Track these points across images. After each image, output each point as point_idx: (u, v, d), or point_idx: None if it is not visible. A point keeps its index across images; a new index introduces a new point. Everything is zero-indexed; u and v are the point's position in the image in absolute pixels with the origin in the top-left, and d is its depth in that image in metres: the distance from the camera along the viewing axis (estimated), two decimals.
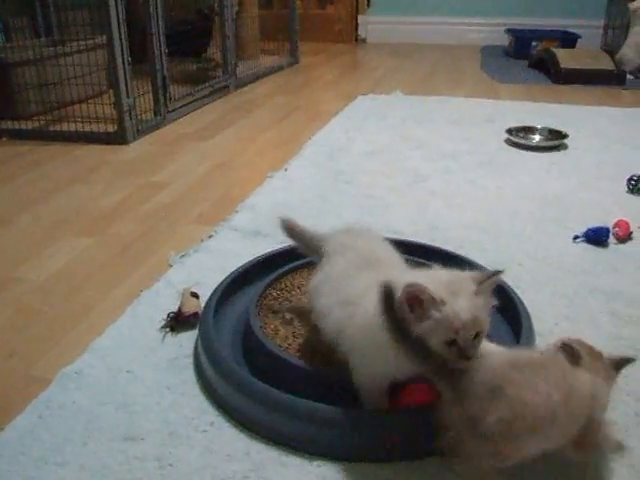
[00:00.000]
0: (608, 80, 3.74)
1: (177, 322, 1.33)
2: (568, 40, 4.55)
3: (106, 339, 1.32)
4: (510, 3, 5.25)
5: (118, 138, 2.65)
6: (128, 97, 2.62)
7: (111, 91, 2.64)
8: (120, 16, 2.51)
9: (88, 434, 1.06)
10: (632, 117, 3.02)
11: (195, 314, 1.33)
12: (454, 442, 0.89)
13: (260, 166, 2.38)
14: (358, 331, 0.99)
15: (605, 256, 1.65)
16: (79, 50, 2.92)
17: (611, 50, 4.03)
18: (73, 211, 1.99)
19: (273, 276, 1.40)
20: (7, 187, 2.23)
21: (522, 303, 1.29)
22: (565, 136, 2.59)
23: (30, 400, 1.13)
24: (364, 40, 5.65)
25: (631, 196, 2.05)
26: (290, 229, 1.29)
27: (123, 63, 2.56)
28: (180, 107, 3.08)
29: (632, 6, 3.87)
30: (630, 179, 2.08)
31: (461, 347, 0.89)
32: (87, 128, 2.70)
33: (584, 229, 1.74)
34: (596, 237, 1.71)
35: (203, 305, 1.33)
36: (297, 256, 1.43)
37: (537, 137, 2.67)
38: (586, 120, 2.95)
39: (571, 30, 4.70)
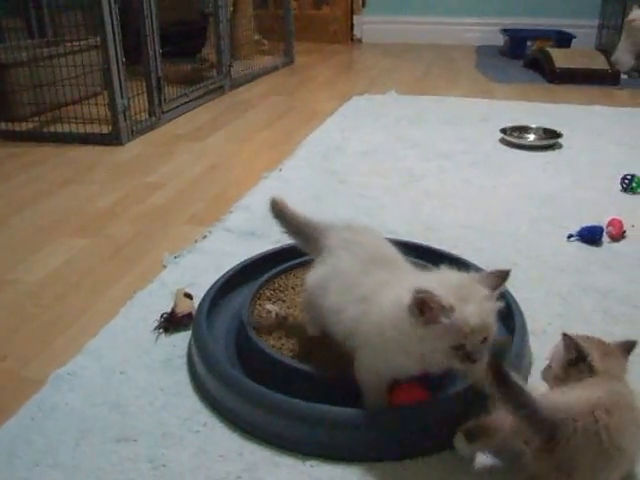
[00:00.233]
0: (602, 80, 3.74)
1: (170, 323, 1.33)
2: (563, 40, 4.56)
3: (100, 340, 1.31)
4: (505, 3, 5.25)
5: (113, 139, 2.65)
6: (122, 98, 2.62)
7: (105, 92, 2.63)
8: (114, 17, 2.50)
9: (81, 436, 1.06)
10: (626, 116, 3.02)
11: (189, 315, 1.33)
12: None
13: (255, 166, 2.38)
14: (372, 327, 0.99)
15: (599, 255, 1.66)
16: (73, 51, 2.90)
17: (606, 50, 4.03)
18: (67, 212, 1.99)
19: (266, 276, 1.40)
20: (1, 188, 2.22)
21: (515, 302, 1.29)
22: (559, 135, 2.60)
23: (23, 402, 1.13)
24: (359, 40, 5.65)
25: (625, 195, 2.06)
26: (279, 210, 1.24)
27: (117, 64, 2.56)
28: (175, 108, 3.08)
29: (629, 17, 3.86)
30: (624, 178, 2.08)
31: (468, 352, 0.90)
32: (82, 129, 2.70)
33: (578, 228, 1.74)
34: (590, 236, 1.71)
35: (197, 306, 1.33)
36: (291, 256, 1.44)
37: (531, 136, 2.67)
38: (580, 119, 2.95)
39: (566, 30, 4.70)
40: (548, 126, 2.69)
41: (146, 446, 1.03)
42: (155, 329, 1.33)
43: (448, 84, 3.84)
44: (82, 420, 1.09)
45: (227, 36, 3.59)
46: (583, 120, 2.94)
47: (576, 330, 1.03)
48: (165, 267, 1.61)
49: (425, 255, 1.44)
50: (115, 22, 2.52)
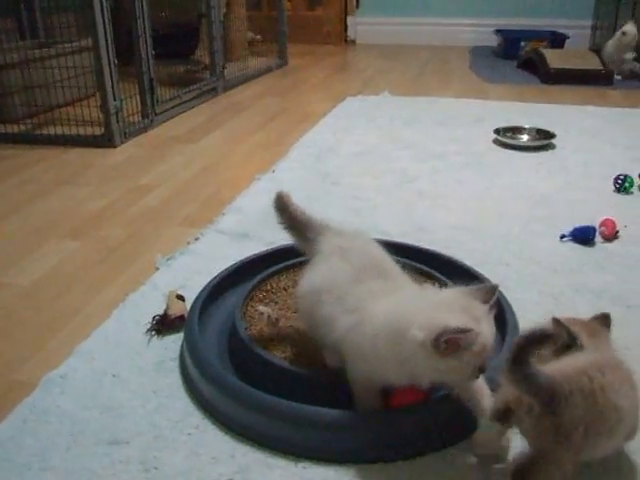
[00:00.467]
0: (596, 80, 3.75)
1: (163, 325, 1.33)
2: (556, 40, 4.57)
3: (92, 343, 1.31)
4: (499, 4, 5.26)
5: (105, 141, 2.64)
6: (115, 100, 2.61)
7: (98, 94, 2.63)
8: (106, 18, 2.50)
9: (73, 439, 1.05)
10: (620, 117, 3.03)
11: (181, 317, 1.33)
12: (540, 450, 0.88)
13: (248, 168, 2.37)
14: (364, 340, 0.98)
15: (592, 255, 1.66)
16: (65, 53, 2.90)
17: (599, 50, 4.04)
18: (60, 214, 1.98)
19: (259, 278, 1.39)
20: None
21: (508, 304, 1.29)
22: (553, 136, 2.60)
23: (14, 405, 1.13)
24: (353, 41, 5.65)
25: (618, 195, 2.06)
26: (283, 204, 1.24)
27: (109, 65, 2.55)
28: (168, 109, 3.07)
29: (622, 29, 3.86)
30: (617, 178, 2.09)
31: (482, 366, 0.91)
32: (74, 131, 2.69)
33: (571, 228, 1.75)
34: (583, 236, 1.71)
35: (189, 308, 1.33)
36: (283, 258, 1.44)
37: (525, 137, 2.68)
38: (574, 120, 2.95)
39: (559, 30, 4.72)
40: (542, 127, 2.70)
41: (138, 449, 1.03)
42: (147, 331, 1.33)
43: (442, 85, 3.85)
44: (74, 423, 1.09)
45: (220, 37, 3.59)
46: (576, 120, 2.94)
47: None
48: (157, 269, 1.61)
49: (416, 256, 1.45)
50: (107, 24, 2.51)
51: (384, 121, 2.98)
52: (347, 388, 1.04)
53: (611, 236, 1.73)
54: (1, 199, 2.13)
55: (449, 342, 0.87)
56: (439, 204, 2.00)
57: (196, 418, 1.09)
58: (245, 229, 1.80)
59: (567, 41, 4.58)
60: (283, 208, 1.24)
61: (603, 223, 1.75)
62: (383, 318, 0.96)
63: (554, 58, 3.90)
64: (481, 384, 0.98)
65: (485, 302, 0.94)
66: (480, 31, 5.26)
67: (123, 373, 1.21)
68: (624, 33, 3.82)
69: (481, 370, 0.92)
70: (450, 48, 5.20)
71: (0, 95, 2.85)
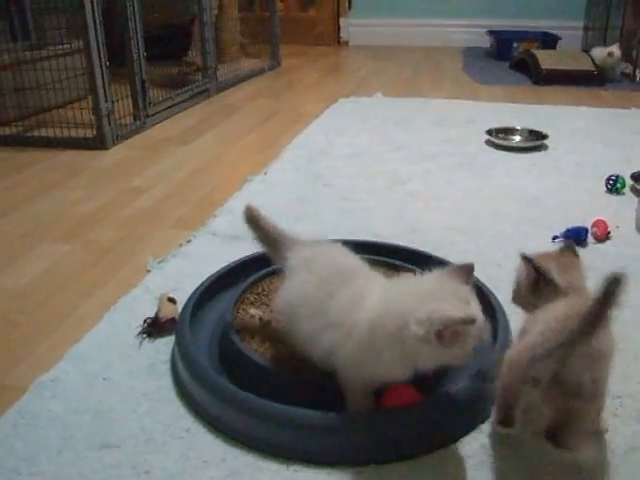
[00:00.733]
0: (588, 81, 3.77)
1: (154, 328, 1.32)
2: (548, 41, 4.58)
3: (83, 346, 1.30)
4: (491, 5, 5.27)
5: (97, 143, 2.63)
6: (107, 102, 2.60)
7: (90, 96, 2.62)
8: (97, 20, 2.49)
9: (63, 443, 1.05)
10: (611, 117, 3.04)
11: (172, 320, 1.32)
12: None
13: (240, 170, 2.37)
14: (360, 347, 0.97)
15: (584, 256, 1.62)
16: (57, 54, 2.89)
17: (590, 51, 4.05)
18: (51, 217, 1.97)
19: (250, 280, 1.39)
20: None
21: (499, 304, 1.29)
22: (545, 137, 2.61)
23: (4, 410, 1.12)
24: (346, 42, 5.66)
25: (610, 196, 2.07)
26: (253, 217, 1.23)
27: (101, 67, 2.55)
28: (160, 111, 3.07)
29: (608, 49, 3.88)
30: (609, 179, 2.09)
31: (479, 343, 0.94)
32: (66, 133, 2.68)
33: (563, 229, 1.75)
34: (575, 237, 1.71)
35: (180, 310, 1.32)
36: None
37: (517, 138, 2.68)
38: (566, 120, 2.96)
39: (551, 31, 4.73)
40: (534, 127, 2.70)
41: (129, 452, 1.02)
42: (139, 334, 1.32)
43: (434, 86, 3.85)
44: (64, 427, 1.08)
45: (212, 39, 3.59)
46: (569, 121, 2.95)
47: None
48: (149, 272, 1.60)
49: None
50: (98, 25, 2.50)
51: (376, 122, 2.98)
52: (338, 390, 1.03)
53: (603, 237, 1.73)
54: None
55: (452, 332, 0.89)
56: (431, 205, 2.00)
57: (187, 421, 1.09)
58: (237, 231, 1.80)
59: (559, 42, 4.59)
60: (253, 222, 1.23)
61: (595, 224, 1.75)
62: (378, 321, 0.96)
63: (546, 59, 3.91)
64: None
65: (466, 283, 0.96)
66: (473, 32, 5.27)
67: (114, 376, 1.21)
68: (610, 54, 3.84)
69: (480, 343, 0.94)
70: (443, 49, 5.21)
71: None
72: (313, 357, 1.06)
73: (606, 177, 2.10)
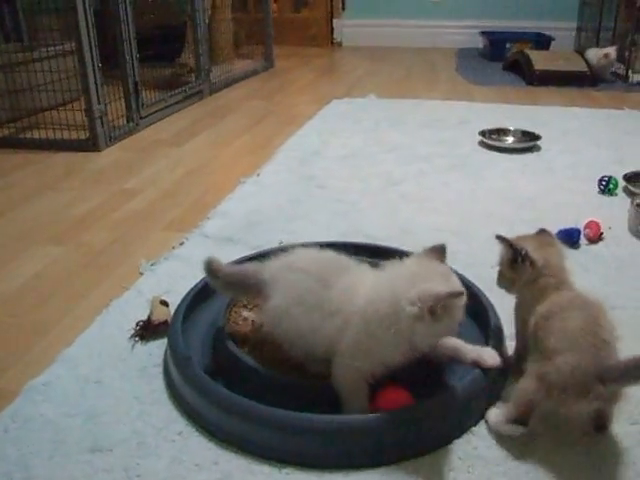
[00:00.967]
0: (581, 81, 3.78)
1: (147, 331, 1.32)
2: (542, 42, 4.59)
3: (75, 349, 1.30)
4: (485, 6, 5.28)
5: (90, 145, 2.63)
6: (99, 103, 2.60)
7: (82, 97, 2.61)
8: (89, 21, 2.48)
9: (55, 447, 1.04)
10: (604, 118, 3.04)
11: (165, 322, 1.32)
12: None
13: (233, 172, 2.36)
14: (359, 332, 1.02)
15: (576, 257, 1.66)
16: (49, 56, 2.87)
17: (584, 52, 4.06)
18: (43, 220, 1.97)
19: None
20: None
21: (491, 305, 1.29)
22: (538, 137, 2.61)
23: None
24: (339, 43, 5.66)
25: (602, 197, 2.07)
26: (215, 270, 1.22)
27: (93, 69, 2.54)
28: (153, 113, 3.06)
29: (604, 50, 3.88)
30: (601, 180, 2.09)
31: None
32: (58, 135, 2.68)
33: (556, 230, 1.74)
34: (567, 238, 1.71)
35: (173, 313, 1.32)
36: None
37: (510, 139, 2.68)
38: (559, 121, 2.97)
39: (545, 32, 4.74)
40: (527, 128, 2.71)
41: (121, 456, 1.02)
42: (131, 337, 1.32)
43: (428, 87, 3.86)
44: (56, 431, 1.08)
45: (205, 40, 3.58)
46: (562, 122, 2.96)
47: None
48: (142, 274, 1.60)
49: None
50: (90, 27, 2.50)
51: (370, 123, 2.98)
52: (332, 392, 1.04)
53: (595, 238, 1.74)
54: None
55: (442, 307, 0.95)
56: (424, 207, 2.00)
57: (180, 425, 1.09)
58: (230, 233, 1.80)
59: (552, 43, 4.60)
60: (214, 275, 1.22)
61: (588, 225, 1.76)
62: (371, 307, 1.01)
63: (539, 60, 3.92)
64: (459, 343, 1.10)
65: (441, 261, 1.05)
66: (466, 33, 5.28)
67: (106, 380, 1.20)
68: (606, 56, 3.85)
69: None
70: (436, 50, 5.22)
71: None
72: (308, 357, 1.08)
73: (599, 178, 2.11)
